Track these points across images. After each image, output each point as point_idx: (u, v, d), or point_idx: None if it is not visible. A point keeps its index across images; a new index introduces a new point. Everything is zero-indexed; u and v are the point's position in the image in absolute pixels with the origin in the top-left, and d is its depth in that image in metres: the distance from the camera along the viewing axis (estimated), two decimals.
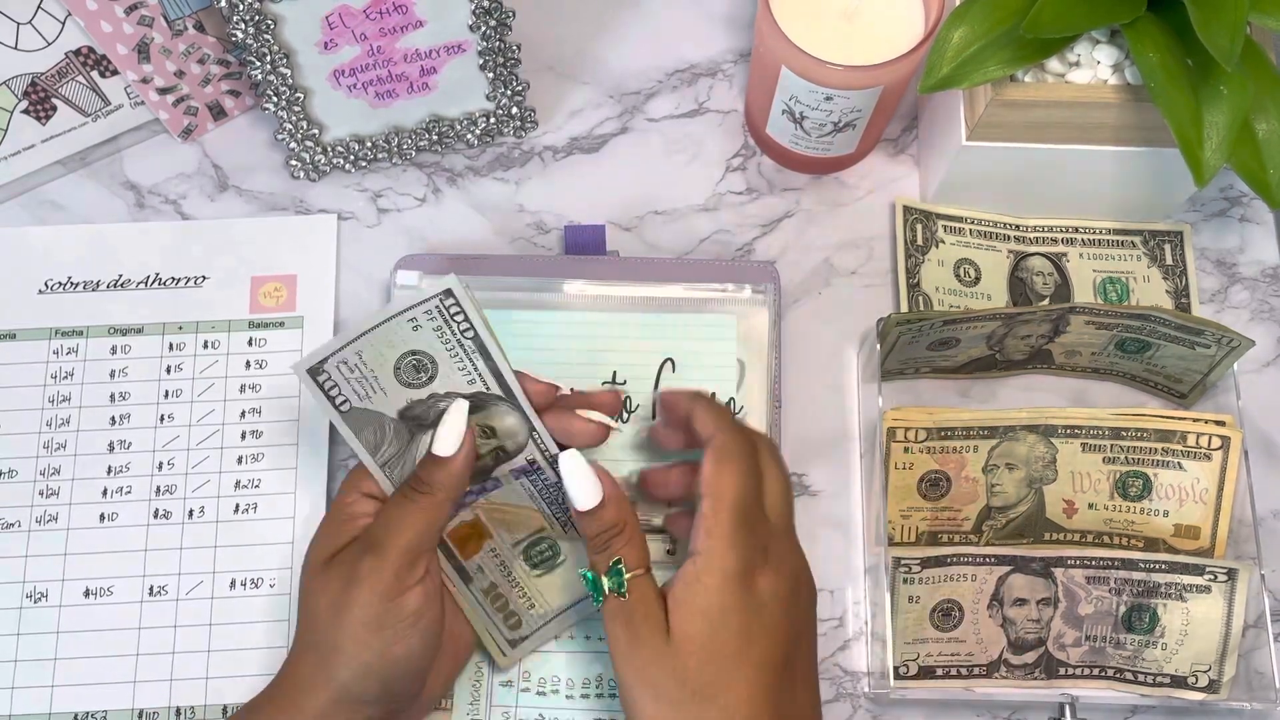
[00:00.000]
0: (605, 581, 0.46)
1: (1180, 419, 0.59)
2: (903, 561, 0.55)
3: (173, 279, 0.64)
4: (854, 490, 0.62)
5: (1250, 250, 0.66)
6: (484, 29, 0.62)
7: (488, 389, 0.50)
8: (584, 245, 0.64)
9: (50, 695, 0.57)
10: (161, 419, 0.61)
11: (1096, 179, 0.61)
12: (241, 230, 0.65)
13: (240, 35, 0.59)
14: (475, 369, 0.49)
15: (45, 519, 0.60)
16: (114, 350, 0.62)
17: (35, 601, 0.58)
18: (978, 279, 0.64)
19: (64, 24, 0.59)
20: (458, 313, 0.48)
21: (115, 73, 0.63)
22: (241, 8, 0.58)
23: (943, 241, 0.64)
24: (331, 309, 0.63)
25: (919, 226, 0.64)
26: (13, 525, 0.59)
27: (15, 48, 0.59)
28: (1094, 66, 0.56)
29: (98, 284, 0.63)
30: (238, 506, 0.60)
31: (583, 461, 0.48)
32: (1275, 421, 0.63)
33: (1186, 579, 0.57)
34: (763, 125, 0.65)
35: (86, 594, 0.58)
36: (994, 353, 0.61)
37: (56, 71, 0.61)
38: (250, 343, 0.62)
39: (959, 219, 0.65)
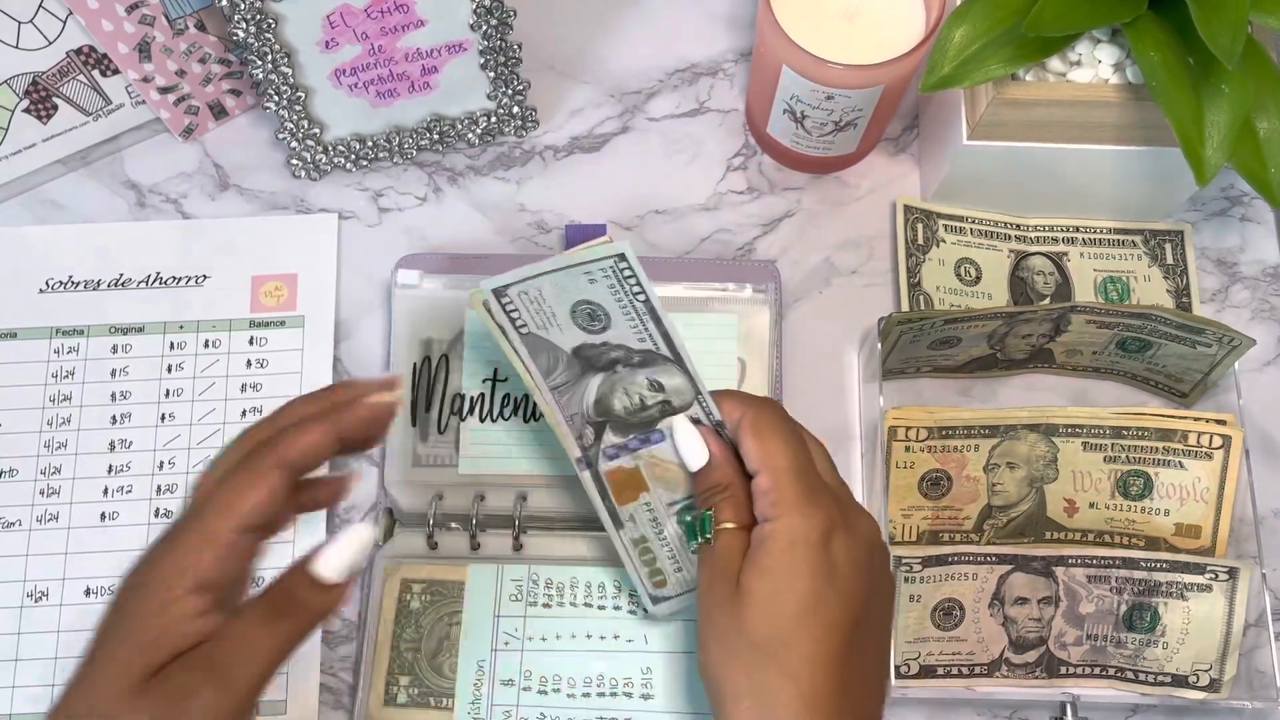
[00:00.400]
0: (697, 525, 0.49)
1: (1181, 418, 0.59)
2: (904, 560, 0.55)
3: (174, 278, 0.64)
4: (855, 489, 0.61)
5: (1251, 249, 0.66)
6: (485, 28, 0.62)
7: (657, 349, 0.52)
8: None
9: (50, 694, 0.56)
10: (162, 418, 0.61)
11: (1097, 178, 0.61)
12: (242, 229, 0.65)
13: (241, 34, 0.59)
14: (646, 329, 0.51)
15: (46, 518, 0.60)
16: (115, 349, 0.62)
17: (36, 601, 0.58)
18: (978, 278, 0.64)
19: (65, 23, 0.59)
20: (630, 276, 0.50)
21: (116, 72, 0.63)
22: (243, 7, 0.58)
23: (943, 241, 0.64)
24: (332, 308, 0.64)
25: (920, 226, 0.64)
26: (14, 524, 0.59)
27: (16, 46, 0.59)
28: (1095, 65, 0.56)
29: (99, 283, 0.64)
30: None
31: (690, 425, 0.50)
32: (1276, 420, 0.63)
33: (1187, 578, 0.56)
34: (764, 124, 0.65)
35: (87, 593, 0.58)
36: (995, 352, 0.61)
37: (58, 70, 0.61)
38: (251, 342, 0.63)
39: (960, 218, 0.65)
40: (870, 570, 0.46)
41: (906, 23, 0.59)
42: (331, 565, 0.42)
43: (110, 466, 0.60)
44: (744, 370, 0.61)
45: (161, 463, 0.60)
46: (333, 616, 0.46)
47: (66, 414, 0.61)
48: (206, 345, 0.62)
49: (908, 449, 0.59)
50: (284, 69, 0.61)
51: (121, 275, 0.64)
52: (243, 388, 0.62)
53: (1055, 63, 0.57)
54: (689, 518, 0.51)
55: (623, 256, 0.49)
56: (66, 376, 0.62)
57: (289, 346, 0.63)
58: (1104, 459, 0.59)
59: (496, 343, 0.51)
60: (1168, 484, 0.59)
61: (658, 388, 0.52)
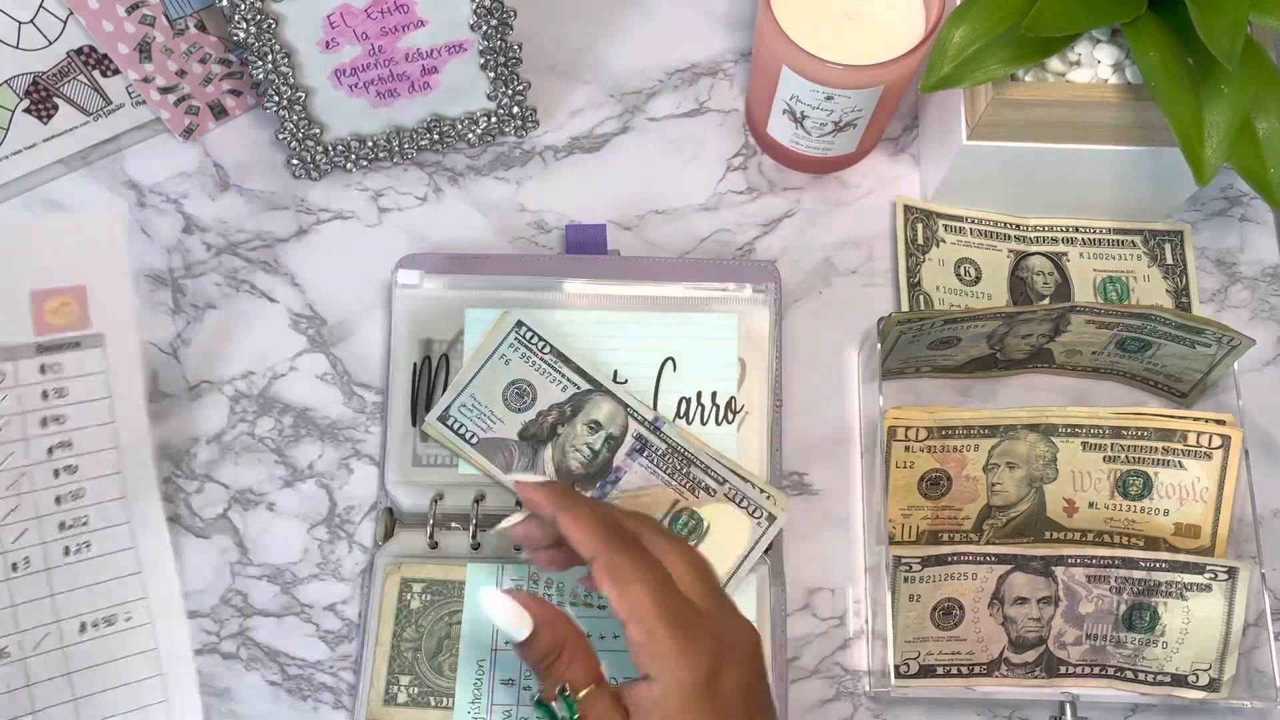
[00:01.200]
0: (556, 708, 0.44)
1: (1181, 418, 0.59)
2: (903, 560, 0.56)
3: None
4: (854, 489, 0.62)
5: (1250, 249, 0.66)
6: (485, 28, 0.62)
7: (579, 388, 0.58)
8: (585, 244, 0.64)
9: None
10: None
11: (1097, 178, 0.61)
12: (6, 236, 0.55)
13: (241, 34, 0.59)
14: (562, 376, 0.58)
15: None
16: None
17: None
18: (978, 278, 0.64)
19: (65, 23, 0.60)
20: (532, 338, 0.58)
21: (116, 72, 0.63)
22: (243, 7, 0.58)
23: (943, 241, 0.64)
24: (133, 320, 0.56)
25: (919, 226, 0.64)
26: None
27: (17, 47, 0.59)
28: (1095, 66, 0.57)
29: None
30: (67, 549, 0.55)
31: (500, 596, 0.46)
32: (1275, 420, 0.63)
33: (1187, 578, 0.57)
34: (763, 125, 0.65)
35: None
36: (994, 352, 0.61)
37: (58, 70, 0.61)
38: (43, 370, 0.54)
39: (959, 218, 0.65)
40: (757, 682, 0.45)
41: (906, 23, 0.59)
42: None
43: None
44: (744, 370, 0.61)
45: None
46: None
47: None
48: None
49: (907, 449, 0.59)
50: (284, 69, 0.61)
51: None
52: (44, 422, 0.54)
53: (1055, 63, 0.57)
54: (537, 700, 0.45)
55: (520, 323, 0.54)
56: None
57: (89, 370, 0.55)
58: (1103, 459, 0.59)
59: (459, 458, 0.58)
60: (1167, 484, 0.59)
61: (595, 427, 0.56)
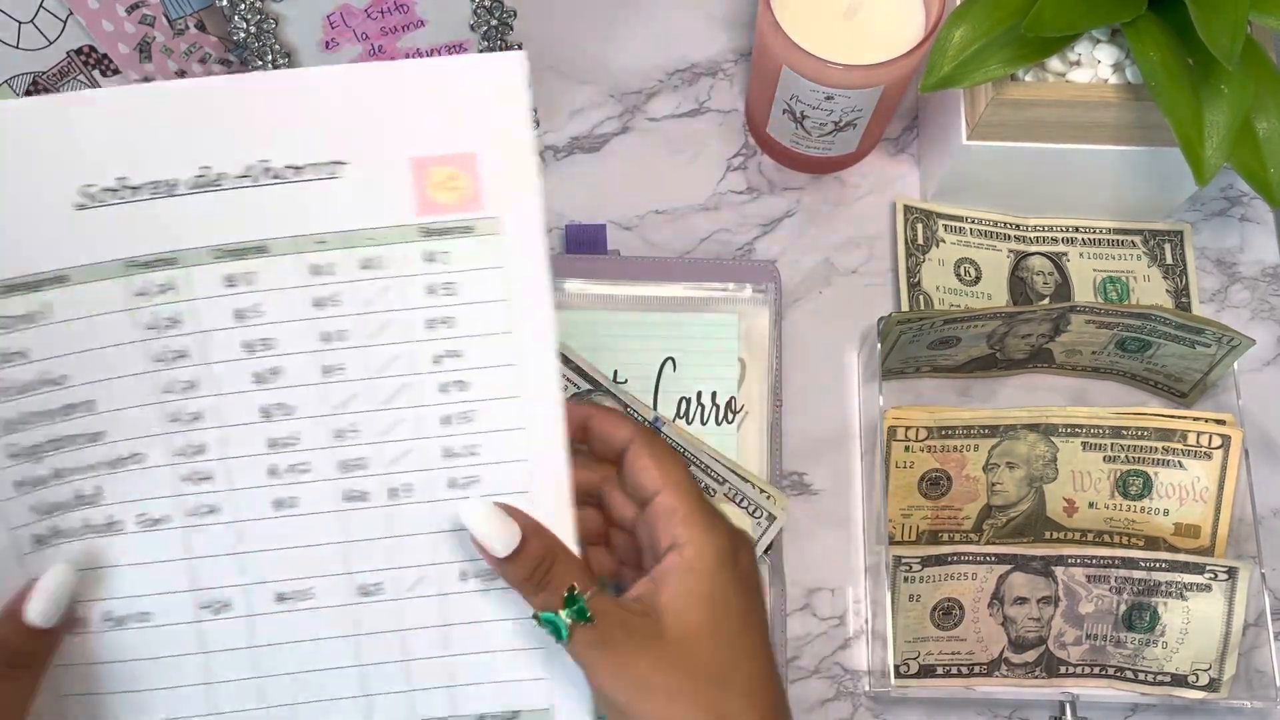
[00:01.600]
0: (565, 616, 0.42)
1: (1181, 418, 0.59)
2: (903, 560, 0.56)
3: (291, 168, 0.42)
4: (854, 489, 0.62)
5: (1250, 249, 0.66)
6: (485, 28, 0.62)
7: (579, 388, 0.53)
8: (585, 244, 0.64)
9: (267, 717, 0.46)
10: (327, 371, 0.44)
11: (1097, 178, 0.61)
12: (383, 87, 0.43)
13: (241, 34, 0.59)
14: (562, 376, 0.46)
15: (202, 510, 0.45)
16: (231, 282, 0.43)
17: (216, 613, 0.45)
18: (978, 278, 0.64)
19: (65, 23, 0.60)
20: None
21: (116, 72, 0.63)
22: (243, 7, 0.58)
23: (943, 241, 0.64)
24: (538, 201, 0.43)
25: (919, 226, 0.64)
26: (160, 522, 0.45)
27: (17, 47, 0.59)
28: (1095, 66, 0.57)
29: (172, 185, 0.42)
30: (453, 481, 0.45)
31: (487, 504, 0.43)
32: (1275, 420, 0.63)
33: (1187, 578, 0.57)
34: (763, 125, 0.65)
35: (280, 599, 0.46)
36: (994, 352, 0.61)
37: (58, 71, 0.61)
38: (428, 258, 0.44)
39: (959, 218, 0.65)
40: (756, 567, 0.46)
41: (906, 23, 0.59)
42: (38, 611, 0.41)
43: (270, 440, 0.45)
44: (744, 370, 0.61)
45: (340, 431, 0.45)
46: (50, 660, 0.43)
47: (189, 376, 0.44)
48: (364, 268, 0.43)
49: (907, 449, 0.59)
50: (284, 69, 0.61)
51: (207, 170, 0.42)
52: (429, 324, 0.44)
53: (1055, 63, 0.57)
54: (541, 613, 0.43)
55: None
56: (170, 326, 0.43)
57: (482, 264, 0.44)
58: (1103, 459, 0.59)
59: None
60: (1167, 484, 0.59)
61: None
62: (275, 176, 0.42)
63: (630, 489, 0.46)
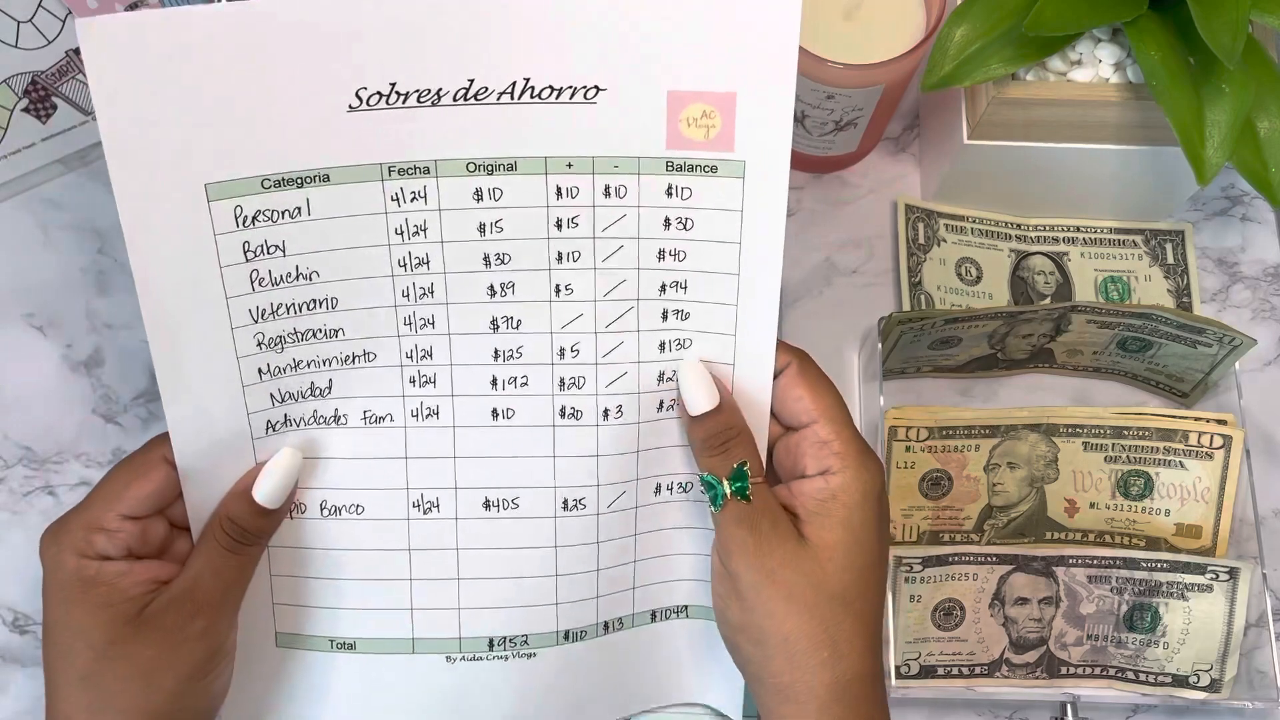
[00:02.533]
0: (727, 486, 0.45)
1: (1182, 418, 0.59)
2: (904, 560, 0.55)
3: (550, 89, 0.43)
4: None
5: (1252, 249, 0.66)
6: None
7: None
8: None
9: (458, 618, 0.50)
10: (557, 290, 0.46)
11: (1098, 178, 0.61)
12: (651, 20, 0.42)
13: None
14: None
15: (424, 413, 0.48)
16: (479, 195, 0.45)
17: (425, 512, 0.48)
18: (979, 278, 0.64)
19: (64, 22, 0.59)
20: None
21: None
22: None
23: (944, 240, 0.64)
24: (785, 152, 0.44)
25: (920, 225, 0.64)
26: (383, 419, 0.48)
27: (16, 46, 0.59)
28: (1096, 65, 0.56)
29: (438, 94, 0.43)
30: (661, 404, 0.48)
31: (697, 366, 0.47)
32: (1277, 420, 0.63)
33: (1188, 578, 0.56)
34: None
35: (486, 505, 0.48)
36: (995, 352, 0.61)
37: (57, 70, 0.61)
38: (670, 192, 0.45)
39: (960, 218, 0.65)
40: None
41: (907, 22, 0.58)
42: (265, 491, 0.45)
43: (496, 351, 0.47)
44: None
45: (562, 349, 0.47)
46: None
47: (427, 283, 0.46)
48: (607, 194, 0.45)
49: (908, 449, 0.59)
50: None
51: (472, 83, 0.43)
52: (660, 255, 0.46)
53: (1056, 62, 0.57)
54: (705, 474, 0.46)
55: None
56: (416, 234, 0.45)
57: (722, 204, 0.45)
58: (1104, 459, 0.59)
59: None
60: (1168, 484, 0.59)
61: None
62: (535, 95, 0.43)
63: (780, 413, 0.47)
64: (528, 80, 0.42)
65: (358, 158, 0.43)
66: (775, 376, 0.47)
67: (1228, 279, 0.66)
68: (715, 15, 0.42)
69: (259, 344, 0.45)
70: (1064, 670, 0.57)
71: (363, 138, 0.43)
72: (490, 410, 0.47)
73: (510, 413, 0.47)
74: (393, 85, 0.42)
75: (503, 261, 0.46)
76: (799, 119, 0.61)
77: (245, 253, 0.44)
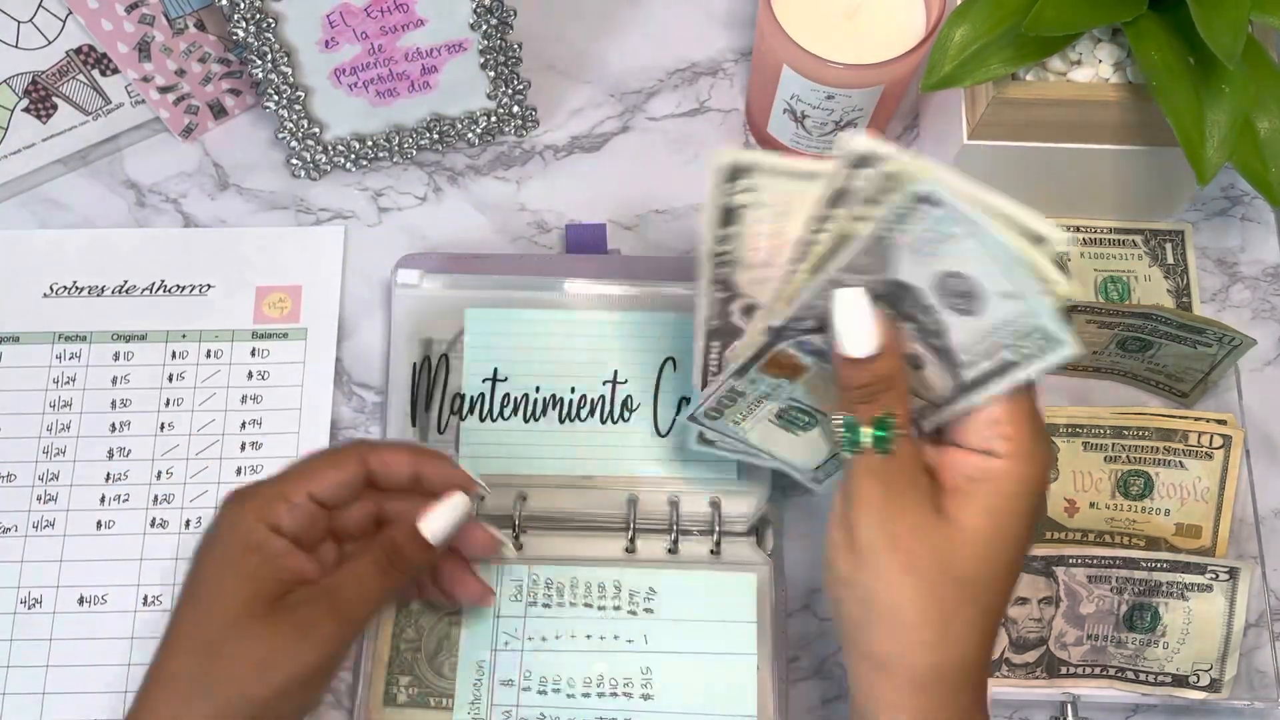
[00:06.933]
0: (868, 433, 0.41)
1: (1182, 418, 0.59)
2: None
3: (178, 286, 0.64)
4: None
5: (1251, 249, 0.66)
6: (485, 28, 0.62)
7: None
8: (585, 244, 0.64)
9: (41, 702, 0.57)
10: (162, 427, 0.61)
11: (1098, 178, 0.61)
12: (247, 239, 0.65)
13: (241, 34, 0.59)
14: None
15: (42, 524, 0.59)
16: (117, 356, 0.62)
17: (30, 607, 0.58)
18: None
19: (65, 22, 0.59)
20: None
21: (116, 71, 0.63)
22: (242, 6, 0.58)
23: None
24: (335, 321, 0.63)
25: None
26: (9, 530, 0.59)
27: (16, 46, 0.59)
28: (1095, 65, 0.56)
29: (102, 289, 0.63)
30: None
31: (866, 301, 0.41)
32: (1277, 420, 0.63)
33: (1188, 578, 0.56)
34: (764, 124, 0.65)
35: (80, 601, 0.58)
36: None
37: (57, 70, 0.61)
38: (253, 353, 0.62)
39: None
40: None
41: (907, 22, 0.59)
42: (433, 528, 0.49)
43: (108, 474, 0.60)
44: None
45: (159, 472, 0.60)
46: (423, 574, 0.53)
47: (66, 420, 0.61)
48: (208, 355, 0.62)
49: None
50: (284, 68, 0.61)
51: (126, 282, 0.63)
52: (243, 399, 0.62)
53: (1055, 62, 0.57)
54: (847, 416, 0.42)
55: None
56: (68, 382, 0.62)
57: (290, 359, 0.62)
58: (1104, 459, 0.59)
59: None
60: (1168, 484, 0.59)
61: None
62: (167, 291, 0.63)
63: None
64: (163, 280, 0.63)
65: (42, 327, 0.62)
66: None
67: (1227, 279, 0.66)
68: (288, 240, 0.65)
69: None
70: (1064, 670, 0.57)
71: (48, 314, 0.63)
72: (95, 522, 0.59)
73: (112, 523, 0.59)
74: (74, 282, 0.63)
75: (125, 405, 0.61)
76: (800, 119, 0.62)
77: None
